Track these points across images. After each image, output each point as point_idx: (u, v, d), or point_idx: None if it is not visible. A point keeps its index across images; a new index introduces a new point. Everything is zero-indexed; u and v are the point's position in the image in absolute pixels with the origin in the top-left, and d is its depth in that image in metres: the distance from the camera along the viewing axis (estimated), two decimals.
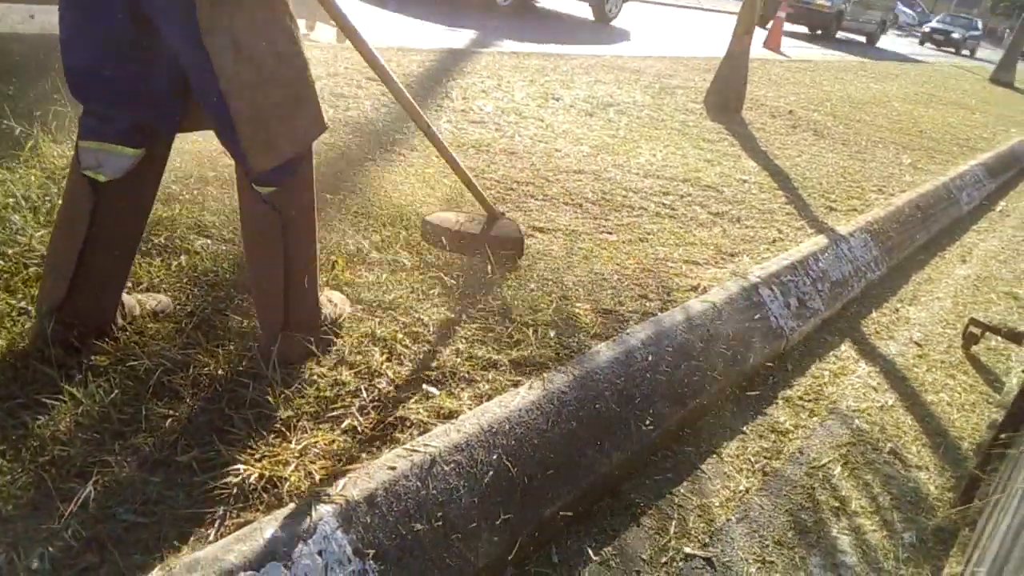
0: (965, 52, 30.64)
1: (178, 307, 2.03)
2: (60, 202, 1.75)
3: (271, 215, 1.74)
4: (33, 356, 1.72)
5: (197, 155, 2.95)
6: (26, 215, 2.27)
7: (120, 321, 1.87)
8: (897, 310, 3.59)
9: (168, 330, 1.92)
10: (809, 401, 2.64)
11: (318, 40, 5.70)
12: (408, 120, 4.12)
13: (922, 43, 31.34)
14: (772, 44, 12.98)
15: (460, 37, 7.83)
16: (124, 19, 1.55)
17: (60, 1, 1.58)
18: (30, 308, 1.87)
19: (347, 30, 1.93)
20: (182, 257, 2.26)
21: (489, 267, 2.55)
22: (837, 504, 2.14)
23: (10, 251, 2.08)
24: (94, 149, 1.66)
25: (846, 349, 3.09)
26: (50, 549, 1.30)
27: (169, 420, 1.63)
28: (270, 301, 1.84)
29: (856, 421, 2.57)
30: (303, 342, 1.89)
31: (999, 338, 3.27)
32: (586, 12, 13.05)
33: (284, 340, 1.86)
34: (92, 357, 1.75)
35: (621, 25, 12.88)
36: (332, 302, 2.10)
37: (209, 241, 2.39)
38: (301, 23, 6.07)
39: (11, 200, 2.33)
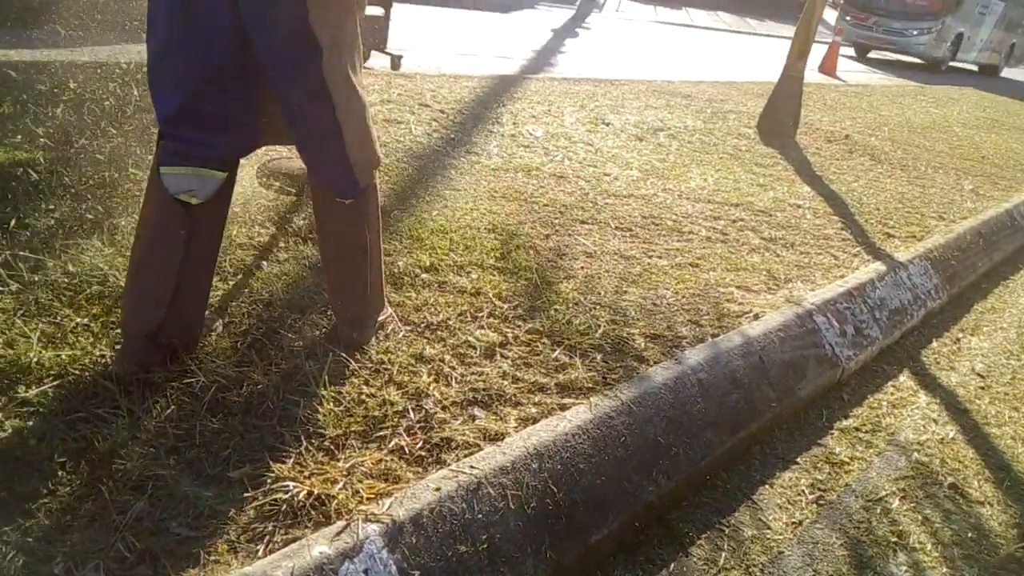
0: None
1: (232, 326, 2.08)
2: (141, 229, 1.81)
3: (357, 219, 1.96)
4: (94, 371, 1.77)
5: (248, 175, 3.04)
6: (91, 234, 2.36)
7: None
8: (958, 340, 3.47)
9: (223, 348, 1.97)
10: (866, 432, 2.56)
11: (372, 68, 5.82)
12: (458, 146, 4.18)
13: None
14: (827, 68, 12.79)
15: (511, 64, 7.92)
16: (230, 63, 1.68)
17: (154, 35, 1.66)
18: (92, 325, 1.94)
19: None
20: (238, 277, 2.32)
21: (536, 287, 2.55)
22: (895, 539, 2.06)
23: (74, 269, 2.16)
24: (186, 174, 1.74)
25: (905, 379, 2.99)
26: (105, 560, 1.33)
27: (222, 436, 1.66)
28: (356, 294, 2.05)
29: (915, 454, 2.48)
30: (372, 328, 2.13)
31: None
32: None
33: (362, 327, 2.08)
34: (154, 375, 1.80)
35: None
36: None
37: (264, 262, 2.45)
38: None
39: (74, 223, 2.42)
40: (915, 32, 16.45)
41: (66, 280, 2.11)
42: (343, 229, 1.98)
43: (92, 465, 1.53)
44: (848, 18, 17.34)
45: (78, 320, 1.95)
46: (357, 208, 1.95)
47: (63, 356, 1.79)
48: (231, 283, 2.28)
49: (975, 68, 20.50)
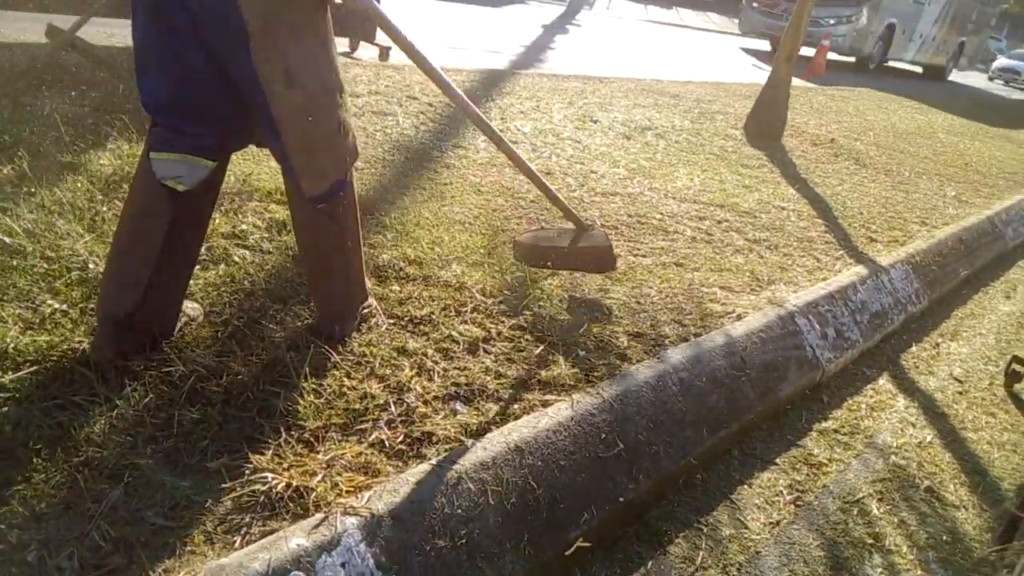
0: None
1: (214, 315, 2.06)
2: (126, 213, 1.79)
3: (328, 222, 1.92)
4: (72, 358, 1.75)
5: (235, 166, 3.01)
6: (71, 220, 2.33)
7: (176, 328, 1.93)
8: (938, 345, 3.51)
9: (203, 337, 1.95)
10: (845, 434, 2.58)
11: (360, 59, 5.79)
12: (446, 140, 4.16)
13: (991, 79, 28.84)
14: (814, 71, 12.86)
15: (501, 59, 7.91)
16: (198, 51, 1.63)
17: (136, 30, 1.64)
18: (71, 311, 1.92)
19: (407, 48, 1.96)
20: (220, 266, 2.30)
21: (520, 284, 2.54)
22: (871, 541, 2.08)
23: (54, 255, 2.13)
24: (174, 160, 1.72)
25: (884, 383, 3.02)
26: (79, 548, 1.32)
27: (201, 426, 1.65)
28: (328, 295, 2.04)
29: (893, 457, 2.50)
30: (352, 321, 2.11)
31: None
32: None
33: (347, 319, 2.08)
34: (133, 362, 1.78)
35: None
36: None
37: (247, 252, 2.43)
38: (344, 43, 6.16)
39: (57, 206, 2.39)
40: (832, 21, 14.03)
41: (45, 266, 2.08)
42: (316, 229, 1.95)
43: (68, 453, 1.51)
44: (755, 5, 14.91)
45: (56, 306, 1.93)
46: (327, 211, 1.91)
47: (40, 342, 1.77)
48: (213, 271, 2.26)
49: (918, 70, 18.55)
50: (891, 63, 16.99)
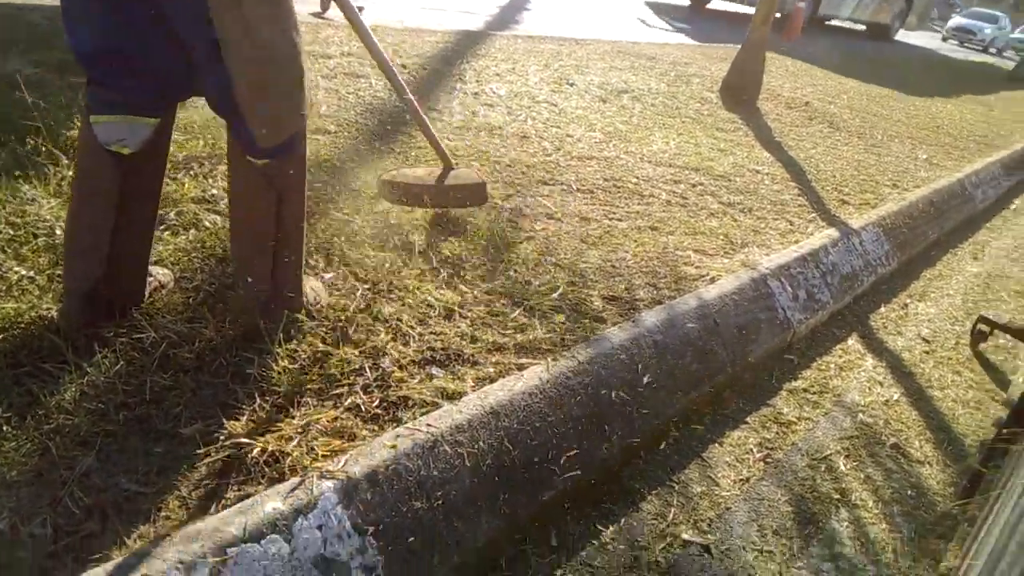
0: (992, 51, 27.75)
1: (185, 281, 2.04)
2: (76, 180, 1.74)
3: (265, 187, 1.76)
4: (40, 325, 1.73)
5: (204, 128, 2.95)
6: (36, 185, 2.28)
7: (146, 294, 1.90)
8: (906, 306, 3.57)
9: (175, 303, 1.93)
10: (814, 394, 2.63)
11: (332, 20, 5.67)
12: (420, 101, 4.11)
13: (945, 39, 28.11)
14: (789, 34, 12.82)
15: (476, 19, 7.78)
16: None
17: None
18: (38, 278, 1.89)
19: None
20: (190, 231, 2.27)
21: (496, 248, 2.54)
22: (838, 496, 2.14)
23: (19, 220, 2.09)
24: (116, 123, 1.65)
25: (853, 343, 3.07)
26: (52, 515, 1.31)
27: (173, 393, 1.64)
28: (256, 276, 1.86)
29: (860, 415, 2.56)
30: (280, 319, 1.89)
31: (1008, 336, 3.24)
32: None
33: (269, 312, 1.88)
34: (103, 329, 1.76)
35: None
36: (313, 289, 2.07)
37: (218, 217, 2.39)
38: (315, 3, 5.98)
39: (21, 171, 2.34)
40: None
41: (11, 232, 2.04)
42: (249, 194, 1.80)
43: (38, 420, 1.50)
44: None
45: (23, 273, 1.89)
46: (268, 174, 1.75)
47: (8, 309, 1.74)
48: (183, 237, 2.23)
49: (862, 28, 17.30)
50: (832, 23, 16.03)
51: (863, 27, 17.09)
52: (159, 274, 1.99)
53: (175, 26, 1.56)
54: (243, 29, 1.54)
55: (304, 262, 1.97)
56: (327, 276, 2.21)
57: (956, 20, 28.82)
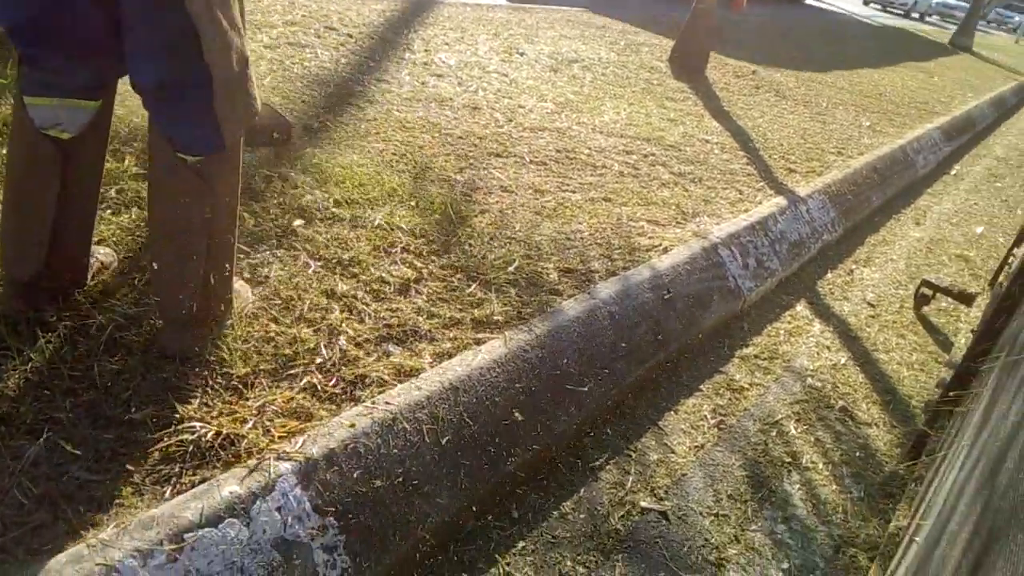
0: (915, 16, 27.25)
1: (128, 261, 1.98)
2: (9, 164, 1.64)
3: (196, 188, 1.58)
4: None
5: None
6: None
7: (87, 276, 1.82)
8: (852, 271, 3.66)
9: (120, 285, 1.87)
10: (764, 360, 2.69)
11: None
12: (368, 73, 4.03)
13: (866, 3, 27.43)
14: (737, 5, 12.88)
15: None
16: None
17: None
18: None
19: None
20: (132, 210, 2.20)
21: (450, 222, 2.52)
22: (789, 459, 2.20)
23: None
24: (49, 106, 1.55)
25: (801, 309, 3.15)
26: (0, 507, 1.27)
27: (122, 377, 1.60)
28: (183, 291, 1.65)
29: (809, 379, 2.63)
30: (204, 335, 1.74)
31: (950, 299, 3.36)
32: None
33: (187, 332, 1.70)
34: (46, 313, 1.70)
35: None
36: (238, 294, 1.89)
37: None
38: None
39: None
40: None
41: None
42: (177, 196, 1.59)
43: None
44: None
45: None
46: (206, 174, 1.58)
47: None
48: (125, 216, 2.16)
49: None
50: None
51: None
52: (101, 254, 1.91)
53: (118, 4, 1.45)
54: (211, 18, 1.45)
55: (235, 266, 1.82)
56: (278, 253, 2.17)
57: None
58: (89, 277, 1.83)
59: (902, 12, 26.55)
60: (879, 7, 26.80)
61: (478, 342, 1.98)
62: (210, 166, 1.59)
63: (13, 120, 1.60)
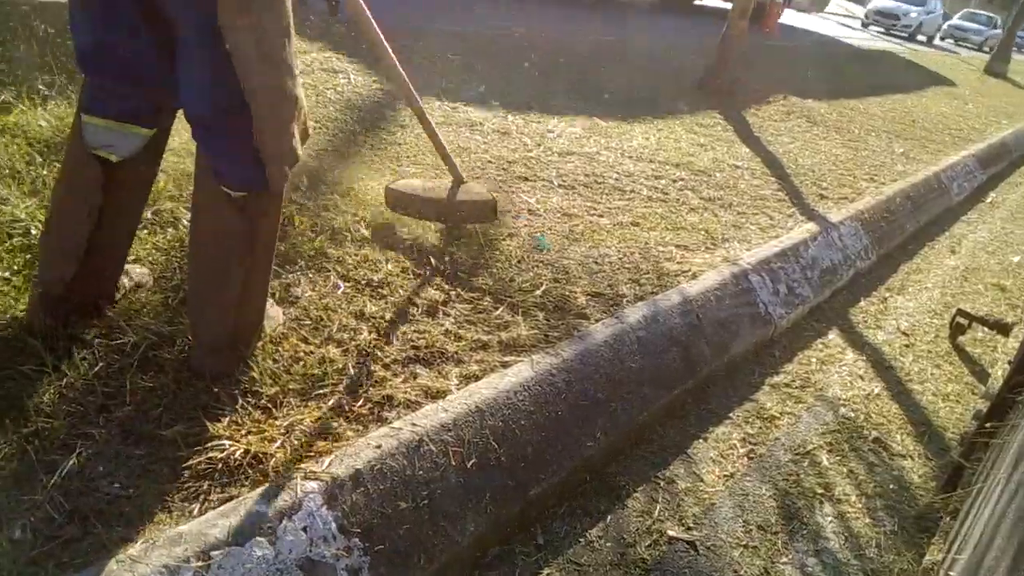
0: (921, 38, 24.38)
1: (163, 281, 2.01)
2: (58, 177, 1.69)
3: (242, 223, 1.61)
4: (16, 326, 1.70)
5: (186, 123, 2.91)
6: (10, 184, 2.24)
7: (117, 294, 1.85)
8: (885, 299, 3.60)
9: (154, 304, 1.90)
10: (796, 388, 2.65)
11: (309, 10, 5.61)
12: (399, 98, 4.08)
13: (865, 25, 24.47)
14: (768, 28, 12.91)
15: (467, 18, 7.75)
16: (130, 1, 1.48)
17: None
18: (14, 279, 1.85)
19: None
20: (168, 230, 2.24)
21: (479, 245, 2.53)
22: (821, 490, 2.16)
23: None
24: (103, 127, 1.60)
25: (834, 337, 3.10)
26: (32, 520, 1.29)
27: (154, 395, 1.62)
28: (216, 317, 1.69)
29: (842, 409, 2.58)
30: (237, 357, 1.75)
31: (986, 329, 3.29)
32: None
33: (220, 354, 1.72)
34: (81, 330, 1.73)
35: None
36: (269, 316, 1.92)
37: None
38: None
39: None
40: None
41: None
42: (220, 230, 1.62)
43: (17, 424, 1.47)
44: None
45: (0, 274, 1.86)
46: (248, 208, 1.60)
47: None
48: (160, 236, 2.20)
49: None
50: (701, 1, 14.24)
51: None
52: (136, 273, 1.95)
53: (173, 28, 1.48)
54: (258, 54, 1.45)
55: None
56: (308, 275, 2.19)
57: (877, 2, 24.79)
58: (119, 295, 1.85)
59: (905, 34, 23.72)
60: (881, 30, 23.94)
61: (505, 365, 1.98)
62: (252, 202, 1.60)
63: (70, 134, 1.65)
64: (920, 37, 24.41)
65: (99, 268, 1.74)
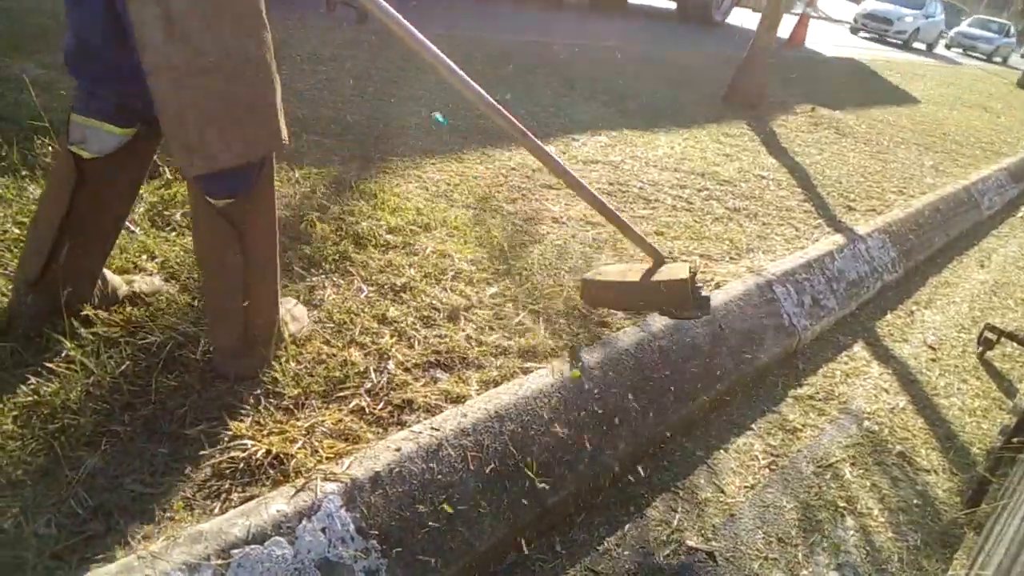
0: (919, 45, 22.32)
1: (190, 282, 2.04)
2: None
3: (225, 229, 1.59)
4: (47, 325, 1.73)
5: None
6: (42, 185, 2.28)
7: (95, 300, 1.81)
8: (912, 313, 3.55)
9: (180, 304, 1.93)
10: (819, 400, 2.62)
11: (336, 16, 5.68)
12: (425, 106, 4.11)
13: (854, 31, 22.11)
14: (796, 39, 12.83)
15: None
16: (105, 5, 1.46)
17: None
18: None
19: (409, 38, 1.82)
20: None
21: (501, 251, 2.54)
22: (844, 504, 2.13)
23: (26, 220, 2.09)
24: (81, 124, 1.61)
25: (859, 350, 3.06)
26: (57, 515, 1.31)
27: (178, 394, 1.64)
28: (226, 318, 1.69)
29: (866, 422, 2.54)
30: (259, 358, 1.77)
31: (1015, 344, 3.23)
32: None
33: (241, 357, 1.74)
34: (105, 328, 1.76)
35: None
36: (295, 318, 1.94)
37: None
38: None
39: (28, 171, 2.34)
40: None
41: (17, 231, 2.04)
42: (208, 238, 1.63)
43: (44, 420, 1.49)
44: None
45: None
46: (232, 216, 1.58)
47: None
48: (188, 239, 2.23)
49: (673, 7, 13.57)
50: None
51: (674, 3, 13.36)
52: (146, 284, 1.95)
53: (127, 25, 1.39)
54: (165, 28, 1.33)
55: (279, 300, 1.81)
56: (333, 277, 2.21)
57: (868, 4, 22.18)
58: (94, 302, 1.80)
59: (900, 41, 21.32)
60: (873, 36, 21.57)
61: (525, 371, 1.98)
62: (237, 208, 1.58)
63: (63, 134, 1.67)
64: (918, 45, 22.34)
65: (69, 267, 1.70)
